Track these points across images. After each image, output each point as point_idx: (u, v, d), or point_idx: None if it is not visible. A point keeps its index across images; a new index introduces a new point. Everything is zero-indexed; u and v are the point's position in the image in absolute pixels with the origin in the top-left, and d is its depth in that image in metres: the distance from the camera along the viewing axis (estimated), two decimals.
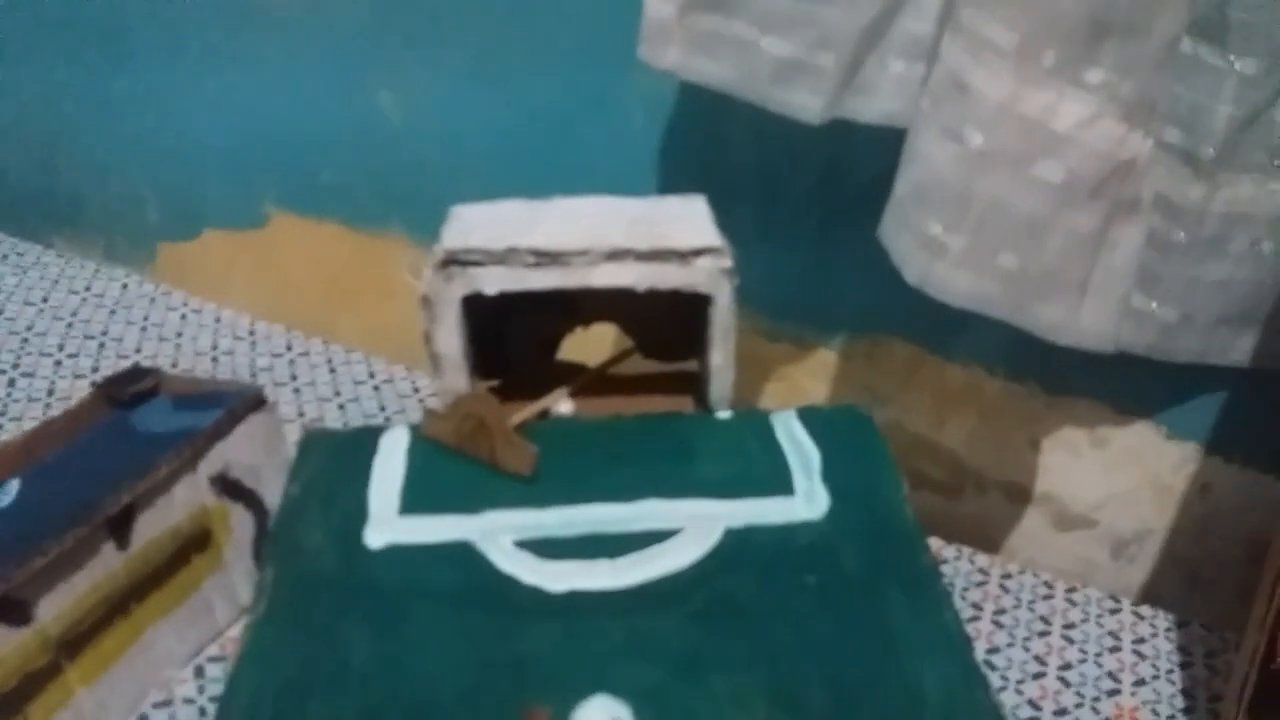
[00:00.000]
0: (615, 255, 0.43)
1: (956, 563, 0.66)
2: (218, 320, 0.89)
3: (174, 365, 0.83)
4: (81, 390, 0.76)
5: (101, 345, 0.85)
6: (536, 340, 0.53)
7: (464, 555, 0.40)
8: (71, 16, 0.89)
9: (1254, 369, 0.58)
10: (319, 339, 0.87)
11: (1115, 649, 0.59)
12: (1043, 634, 0.60)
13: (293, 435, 0.62)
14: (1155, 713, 0.55)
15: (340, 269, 0.87)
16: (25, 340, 0.85)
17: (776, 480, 0.43)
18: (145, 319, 0.89)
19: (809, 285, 0.70)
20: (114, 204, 0.96)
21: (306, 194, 0.86)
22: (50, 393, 0.79)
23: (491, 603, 0.38)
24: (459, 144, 0.77)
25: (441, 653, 0.36)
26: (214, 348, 0.86)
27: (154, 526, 0.54)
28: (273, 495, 0.60)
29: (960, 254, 0.49)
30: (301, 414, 0.78)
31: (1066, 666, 0.58)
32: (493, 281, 0.43)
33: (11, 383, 0.80)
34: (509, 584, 0.39)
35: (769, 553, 0.40)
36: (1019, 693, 0.56)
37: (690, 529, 0.41)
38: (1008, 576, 0.64)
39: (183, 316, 0.90)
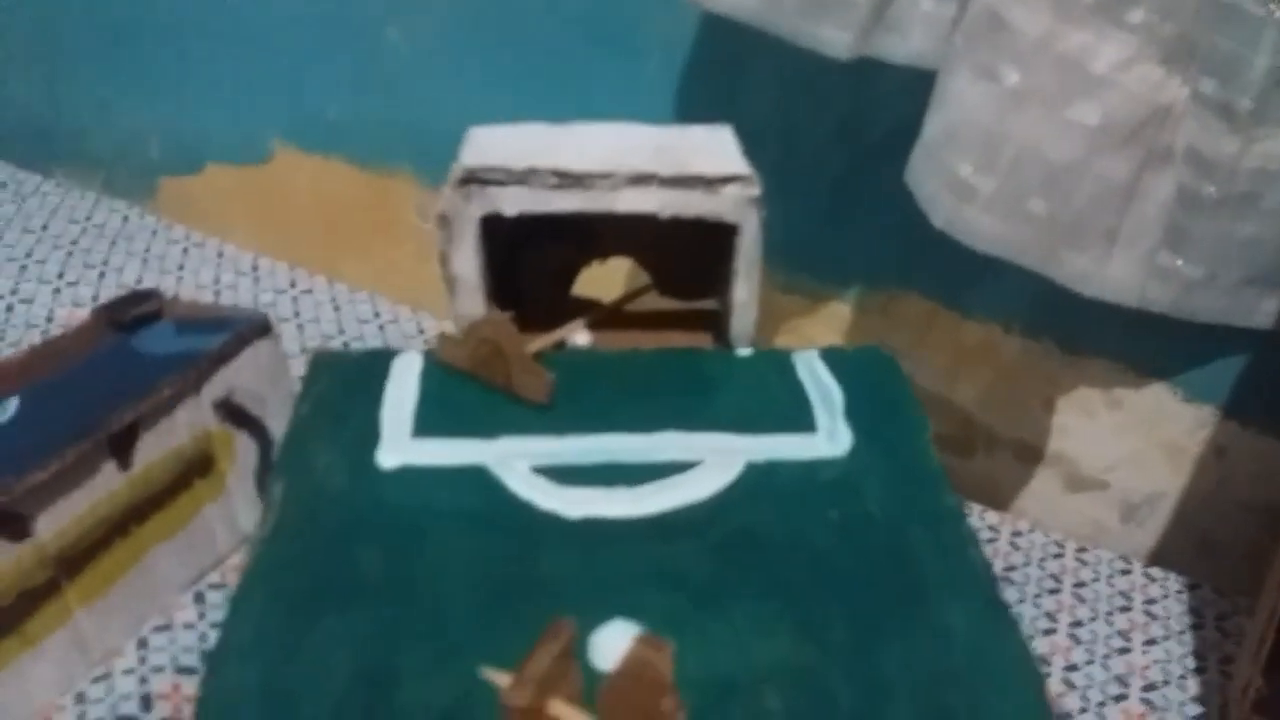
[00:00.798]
0: (639, 180, 0.42)
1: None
2: (220, 255, 0.88)
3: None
4: (81, 318, 0.75)
5: (102, 275, 0.83)
6: (552, 273, 0.52)
7: (479, 479, 0.39)
8: None
9: (1277, 332, 0.57)
10: (323, 277, 0.86)
11: (1126, 609, 0.59)
12: (1053, 591, 0.59)
13: (297, 370, 0.62)
14: (1166, 672, 0.55)
15: (346, 207, 0.85)
16: (24, 267, 0.83)
17: (798, 417, 0.43)
18: (146, 250, 0.87)
19: (825, 236, 0.69)
20: (115, 137, 0.94)
21: (312, 130, 0.84)
22: (49, 319, 0.78)
23: (507, 526, 0.37)
24: (469, 83, 0.76)
25: (456, 573, 0.35)
26: (216, 282, 0.84)
27: (156, 448, 0.53)
28: (278, 425, 0.59)
29: (989, 197, 0.48)
30: (304, 350, 0.77)
31: (1077, 624, 0.57)
32: (512, 202, 0.42)
33: (9, 308, 0.79)
34: (525, 509, 0.38)
35: (790, 487, 0.39)
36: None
37: (710, 461, 0.40)
38: (1018, 534, 0.64)
39: (184, 250, 0.88)
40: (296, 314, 0.81)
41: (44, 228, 0.89)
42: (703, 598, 0.35)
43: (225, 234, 0.91)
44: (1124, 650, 0.56)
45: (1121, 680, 0.54)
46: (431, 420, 0.41)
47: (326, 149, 0.84)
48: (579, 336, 0.48)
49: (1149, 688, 0.54)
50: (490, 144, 0.44)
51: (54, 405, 0.52)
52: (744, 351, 0.47)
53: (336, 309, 0.82)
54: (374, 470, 0.39)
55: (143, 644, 0.54)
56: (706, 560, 0.36)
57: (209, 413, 0.56)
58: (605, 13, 0.68)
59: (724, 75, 0.66)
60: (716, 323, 0.49)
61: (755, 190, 0.42)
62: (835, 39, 0.52)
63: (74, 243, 0.87)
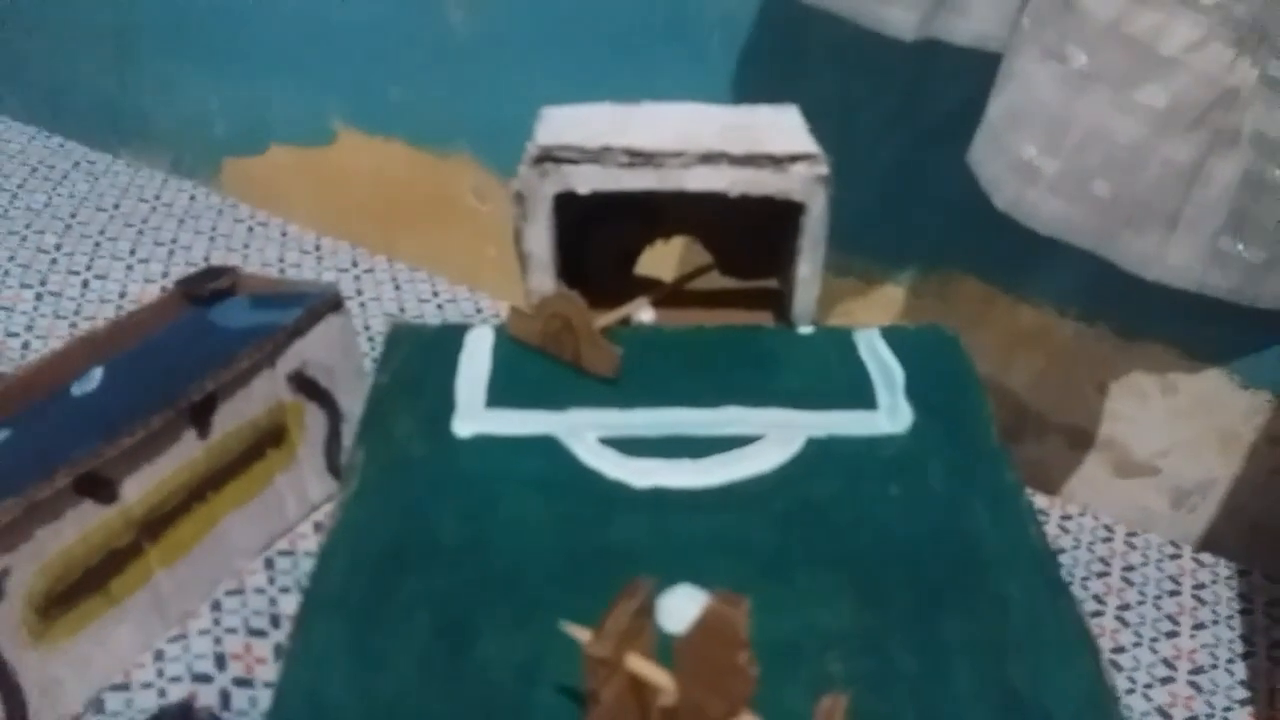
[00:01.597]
0: (709, 158, 0.43)
1: None
2: (284, 234, 0.90)
3: None
4: (153, 294, 0.78)
5: (171, 252, 0.86)
6: (617, 251, 0.53)
7: (549, 448, 0.40)
8: None
9: None
10: (383, 257, 0.88)
11: (1175, 593, 0.59)
12: (1101, 575, 0.60)
13: (360, 348, 0.64)
14: (1214, 656, 0.55)
15: (405, 188, 0.87)
16: (98, 245, 0.86)
17: (859, 394, 0.43)
18: (213, 229, 0.90)
19: (882, 218, 0.69)
20: (182, 118, 0.96)
21: (374, 111, 0.86)
22: (122, 295, 0.80)
23: (577, 493, 0.39)
24: (528, 66, 0.77)
25: (530, 536, 0.37)
26: (280, 260, 0.87)
27: (233, 418, 0.55)
28: (346, 398, 0.61)
29: (1054, 179, 0.48)
30: (367, 328, 0.79)
31: (1125, 607, 0.58)
32: (586, 180, 0.43)
33: (85, 284, 0.81)
34: (594, 477, 0.39)
35: (852, 462, 0.40)
36: None
37: (772, 436, 0.41)
38: (1067, 518, 0.64)
39: (249, 229, 0.91)
40: (359, 292, 0.83)
41: (116, 206, 0.91)
42: (767, 566, 0.36)
43: (288, 214, 0.93)
44: (1172, 634, 0.56)
45: (1169, 663, 0.54)
46: (504, 392, 0.43)
47: (388, 131, 0.86)
48: (644, 313, 0.49)
49: (1196, 671, 0.54)
50: (563, 123, 0.45)
51: (137, 376, 0.55)
52: (805, 329, 0.47)
53: (397, 288, 0.84)
54: (450, 438, 0.41)
55: (216, 606, 0.57)
56: (770, 531, 0.37)
57: (283, 384, 0.58)
58: None
59: (785, 55, 0.67)
60: (777, 301, 0.49)
61: (823, 169, 0.43)
62: (900, 19, 0.52)
63: (144, 221, 0.90)
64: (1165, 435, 0.66)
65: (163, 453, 0.52)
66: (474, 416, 0.42)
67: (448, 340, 0.46)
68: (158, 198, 0.94)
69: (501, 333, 0.46)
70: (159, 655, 0.54)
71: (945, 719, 0.31)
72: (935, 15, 0.52)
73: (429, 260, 0.87)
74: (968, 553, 0.36)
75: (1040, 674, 0.32)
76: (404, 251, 0.88)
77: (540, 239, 0.45)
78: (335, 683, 0.32)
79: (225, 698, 0.52)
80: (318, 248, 0.89)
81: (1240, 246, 0.55)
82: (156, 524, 0.53)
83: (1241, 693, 0.53)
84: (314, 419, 0.60)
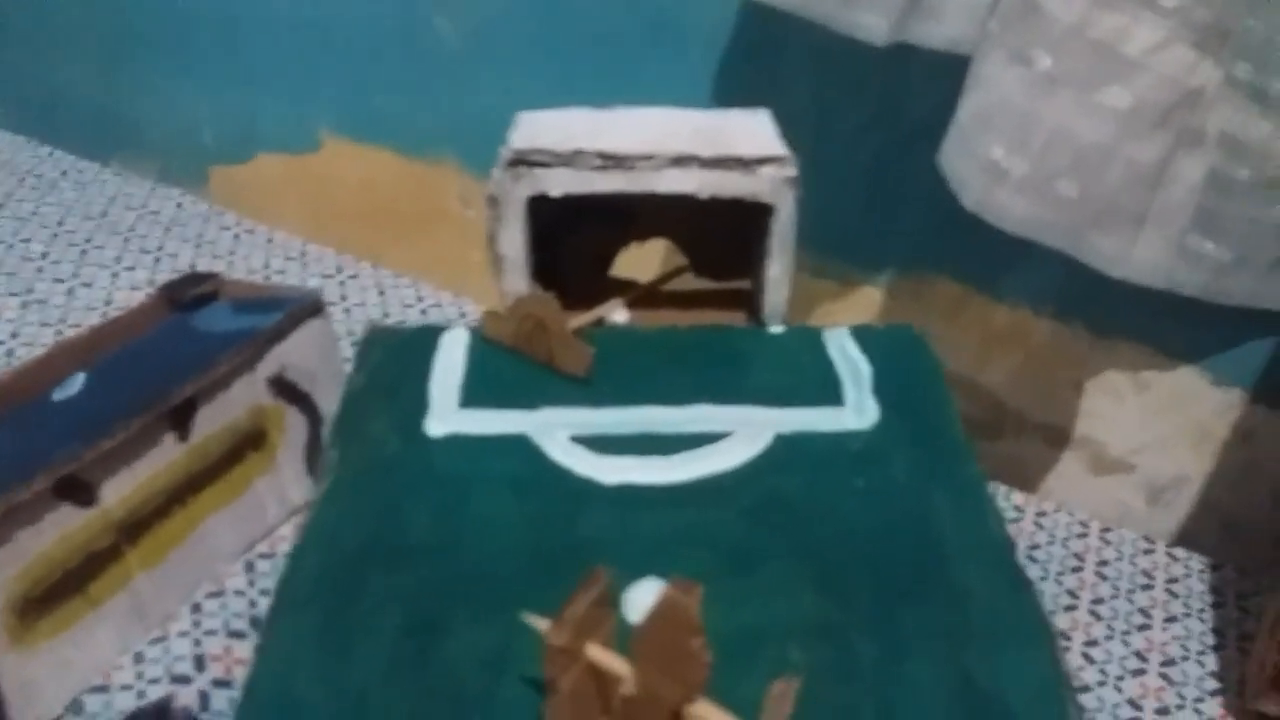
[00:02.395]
0: (680, 161, 0.44)
1: None
2: (269, 241, 0.91)
3: None
4: (138, 301, 0.78)
5: (158, 260, 0.87)
6: (592, 254, 0.54)
7: (521, 447, 0.41)
8: None
9: None
10: (368, 263, 0.88)
11: (1148, 587, 0.60)
12: (1076, 570, 0.60)
13: (343, 353, 0.64)
14: (1185, 648, 0.56)
15: (391, 195, 0.88)
16: (84, 252, 0.87)
17: (827, 391, 0.44)
18: (199, 236, 0.90)
19: (859, 220, 0.70)
20: (170, 126, 0.97)
21: (360, 119, 0.87)
22: (108, 303, 0.81)
23: (548, 491, 0.39)
24: (512, 74, 0.78)
25: (499, 533, 0.37)
26: (266, 267, 0.87)
27: (213, 421, 0.56)
28: (327, 402, 0.62)
29: (1021, 179, 0.49)
30: (351, 333, 0.79)
31: (1098, 601, 0.58)
32: (558, 183, 0.44)
33: (70, 292, 0.82)
34: (564, 475, 0.40)
35: (818, 457, 0.41)
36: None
37: (740, 432, 0.42)
38: (1042, 514, 0.65)
39: (236, 236, 0.91)
40: (343, 298, 0.84)
41: (103, 214, 0.92)
42: (731, 559, 0.36)
43: (275, 221, 0.93)
44: (1144, 627, 0.57)
45: (1141, 656, 0.55)
46: (477, 392, 0.43)
47: (374, 139, 0.86)
48: (618, 314, 0.50)
49: (1167, 663, 0.55)
50: (537, 128, 0.46)
51: (118, 380, 0.55)
52: (776, 328, 0.48)
53: (381, 294, 0.85)
54: (423, 438, 0.41)
55: (196, 609, 0.57)
56: (736, 525, 0.38)
57: (263, 388, 0.58)
58: (646, 3, 0.69)
59: (763, 60, 0.68)
60: (749, 302, 0.50)
61: (791, 171, 0.44)
62: (872, 25, 0.53)
63: (131, 229, 0.90)
64: (1139, 432, 0.67)
65: (142, 456, 0.53)
66: (447, 416, 0.42)
67: (423, 342, 0.46)
68: (145, 206, 0.94)
69: (476, 334, 0.47)
70: (138, 657, 0.54)
71: (903, 706, 0.32)
72: (907, 20, 0.53)
73: (414, 266, 0.88)
74: (929, 544, 0.37)
75: (998, 662, 0.33)
76: (389, 258, 0.89)
77: (514, 241, 0.46)
78: (304, 678, 0.32)
79: (204, 699, 0.52)
80: (303, 254, 0.89)
81: (1209, 245, 0.55)
82: (136, 527, 0.53)
83: (1212, 684, 0.54)
84: (294, 423, 0.61)
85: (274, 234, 0.92)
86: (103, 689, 0.52)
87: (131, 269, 0.85)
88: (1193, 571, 0.61)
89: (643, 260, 0.56)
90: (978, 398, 0.71)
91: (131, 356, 0.57)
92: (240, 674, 0.54)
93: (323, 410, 0.62)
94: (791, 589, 0.35)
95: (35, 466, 0.47)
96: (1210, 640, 0.56)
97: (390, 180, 0.87)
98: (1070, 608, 0.58)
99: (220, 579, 0.59)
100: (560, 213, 0.47)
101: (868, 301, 0.72)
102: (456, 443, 0.41)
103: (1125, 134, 0.48)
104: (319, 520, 0.38)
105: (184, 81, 0.94)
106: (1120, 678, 0.54)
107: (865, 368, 0.45)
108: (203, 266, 0.86)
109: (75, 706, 0.51)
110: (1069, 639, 0.56)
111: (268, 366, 0.58)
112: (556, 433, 0.42)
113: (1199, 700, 0.53)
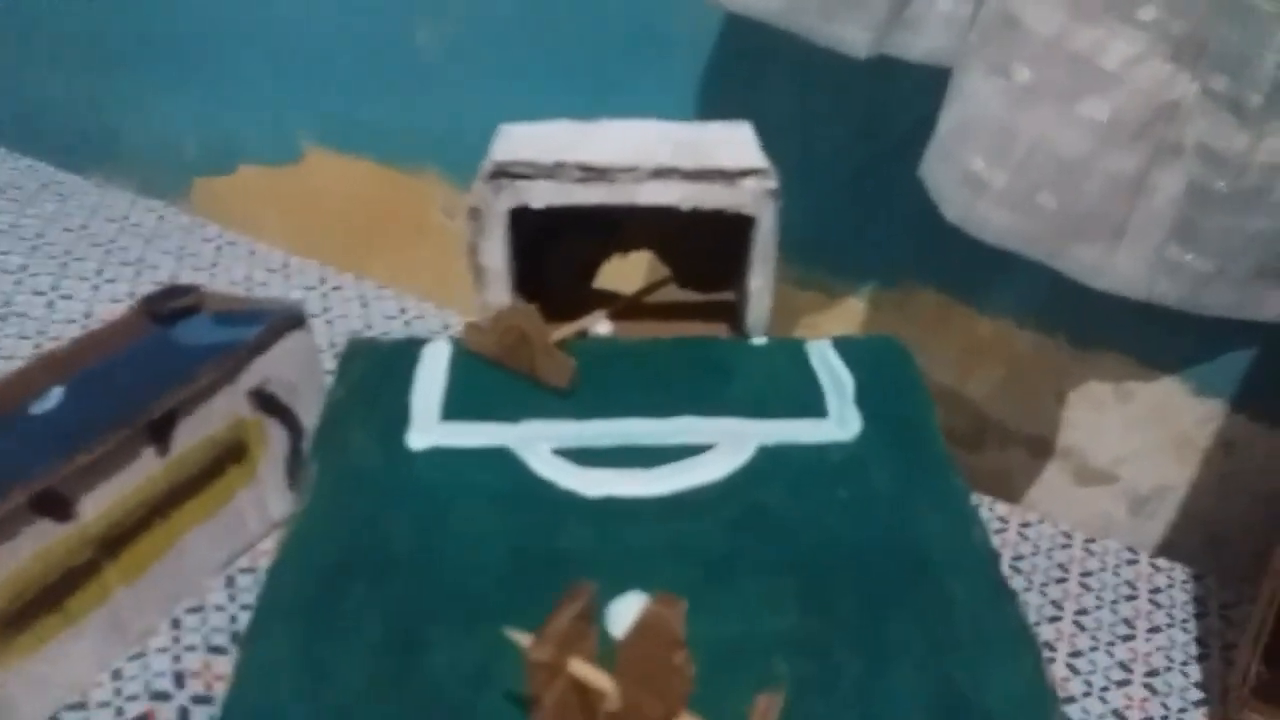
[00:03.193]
0: (661, 173, 0.44)
1: None
2: (252, 253, 0.90)
3: None
4: (119, 313, 0.77)
5: (138, 272, 0.86)
6: (575, 266, 0.54)
7: (503, 459, 0.41)
8: None
9: None
10: (351, 275, 0.88)
11: (1131, 597, 0.60)
12: (1060, 580, 0.61)
13: (325, 364, 0.64)
14: (1169, 659, 0.56)
15: (373, 207, 0.88)
16: (64, 265, 0.86)
17: (810, 403, 0.44)
18: (181, 249, 0.90)
19: (842, 232, 0.70)
20: (151, 138, 0.97)
21: (342, 131, 0.87)
22: (88, 315, 0.80)
23: (529, 504, 0.39)
24: (496, 85, 0.78)
25: (480, 546, 0.37)
26: (248, 278, 0.87)
27: (193, 434, 0.55)
28: (308, 415, 0.61)
29: (1001, 191, 0.49)
30: (333, 344, 0.79)
31: (1082, 612, 0.58)
32: (540, 195, 0.44)
33: (50, 304, 0.81)
34: (546, 487, 0.40)
35: (801, 469, 0.41)
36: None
37: (723, 444, 0.42)
38: (1026, 525, 0.65)
39: (218, 248, 0.90)
40: (325, 310, 0.83)
41: (83, 226, 0.91)
42: (715, 571, 0.36)
43: (256, 233, 0.93)
44: (1128, 637, 0.57)
45: (1125, 666, 0.55)
46: (459, 404, 0.43)
47: (356, 150, 0.86)
48: (600, 326, 0.50)
49: (1151, 673, 0.55)
50: (519, 140, 0.46)
51: (97, 394, 0.54)
52: (759, 340, 0.48)
53: (364, 305, 0.84)
54: (404, 451, 0.41)
55: (176, 624, 0.56)
56: (719, 537, 0.38)
57: (243, 401, 0.58)
58: (630, 15, 0.70)
59: (746, 73, 0.68)
60: (732, 313, 0.50)
61: (772, 183, 0.44)
62: (855, 38, 0.53)
63: (112, 241, 0.90)
64: (1122, 443, 0.67)
65: (121, 470, 0.52)
66: (429, 429, 0.42)
67: (404, 354, 0.46)
68: (126, 218, 0.94)
69: (458, 346, 0.47)
70: (117, 674, 0.54)
71: (887, 718, 0.31)
72: (889, 33, 0.54)
73: (398, 277, 0.88)
74: (912, 555, 0.37)
75: (982, 674, 0.33)
76: (373, 269, 0.89)
77: (495, 253, 0.46)
78: (283, 693, 0.32)
79: (184, 715, 0.52)
80: (285, 266, 0.89)
81: (1188, 256, 0.56)
82: (115, 542, 0.53)
83: (1196, 694, 0.54)
84: (275, 436, 0.60)
85: (256, 246, 0.91)
86: (80, 706, 0.52)
87: (112, 281, 0.84)
88: (1175, 582, 0.61)
89: (626, 272, 0.56)
90: (961, 409, 0.71)
91: (110, 370, 0.56)
92: (220, 690, 0.53)
93: (304, 423, 0.61)
94: (775, 601, 0.35)
95: (12, 481, 0.47)
96: (1194, 650, 0.56)
97: (373, 192, 0.87)
98: (1055, 619, 0.58)
99: (201, 593, 0.58)
100: (543, 224, 0.46)
101: (851, 313, 0.72)
102: (438, 455, 0.41)
103: (1104, 146, 0.48)
104: (299, 534, 0.38)
105: (165, 93, 0.93)
106: (1105, 688, 0.54)
107: (848, 379, 0.45)
108: (184, 279, 0.85)
109: None
110: (1054, 649, 0.56)
111: (249, 379, 0.57)
112: (539, 445, 0.41)
113: (1183, 710, 0.53)
